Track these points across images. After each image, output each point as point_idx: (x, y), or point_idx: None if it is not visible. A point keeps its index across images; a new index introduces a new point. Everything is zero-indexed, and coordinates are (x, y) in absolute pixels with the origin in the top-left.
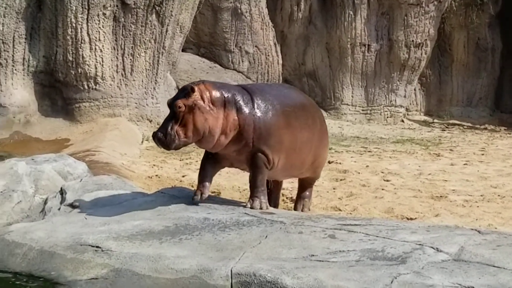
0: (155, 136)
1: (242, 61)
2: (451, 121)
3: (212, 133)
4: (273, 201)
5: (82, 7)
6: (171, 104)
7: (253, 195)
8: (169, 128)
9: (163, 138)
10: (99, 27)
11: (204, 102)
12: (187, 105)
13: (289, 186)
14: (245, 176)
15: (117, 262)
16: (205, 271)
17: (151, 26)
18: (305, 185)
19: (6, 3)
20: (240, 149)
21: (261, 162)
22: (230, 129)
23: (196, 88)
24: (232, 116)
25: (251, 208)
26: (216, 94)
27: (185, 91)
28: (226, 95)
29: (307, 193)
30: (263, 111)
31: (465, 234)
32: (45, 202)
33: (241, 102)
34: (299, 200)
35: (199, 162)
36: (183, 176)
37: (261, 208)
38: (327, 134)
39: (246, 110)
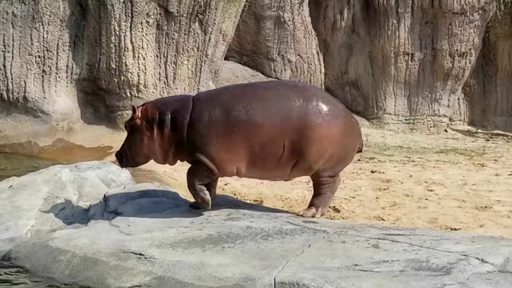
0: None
1: (285, 70)
2: (495, 131)
3: (153, 154)
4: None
5: (126, 15)
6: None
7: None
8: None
9: (117, 157)
10: (142, 35)
11: (142, 123)
12: (129, 126)
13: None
14: (287, 184)
15: (160, 269)
16: (248, 279)
17: (194, 34)
18: (314, 184)
19: (50, 10)
20: (186, 158)
21: (196, 168)
22: (169, 145)
23: (137, 110)
24: (167, 133)
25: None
26: (151, 114)
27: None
28: (160, 115)
29: (317, 200)
30: (199, 122)
31: (511, 245)
32: (89, 209)
33: (176, 118)
34: (308, 208)
35: None
36: (225, 184)
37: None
38: (321, 128)
39: (178, 125)
